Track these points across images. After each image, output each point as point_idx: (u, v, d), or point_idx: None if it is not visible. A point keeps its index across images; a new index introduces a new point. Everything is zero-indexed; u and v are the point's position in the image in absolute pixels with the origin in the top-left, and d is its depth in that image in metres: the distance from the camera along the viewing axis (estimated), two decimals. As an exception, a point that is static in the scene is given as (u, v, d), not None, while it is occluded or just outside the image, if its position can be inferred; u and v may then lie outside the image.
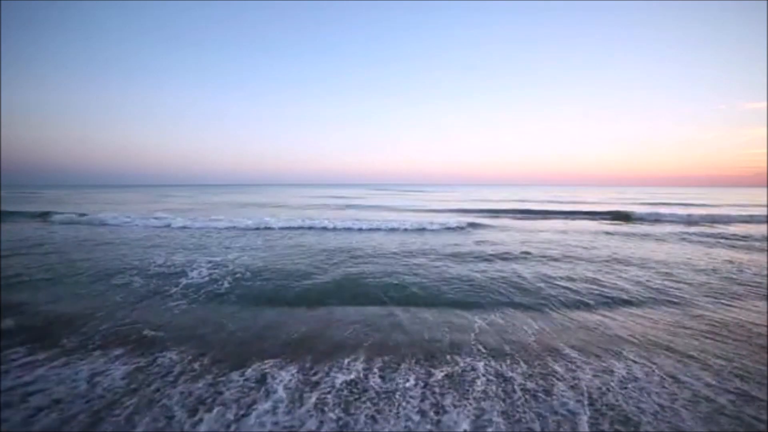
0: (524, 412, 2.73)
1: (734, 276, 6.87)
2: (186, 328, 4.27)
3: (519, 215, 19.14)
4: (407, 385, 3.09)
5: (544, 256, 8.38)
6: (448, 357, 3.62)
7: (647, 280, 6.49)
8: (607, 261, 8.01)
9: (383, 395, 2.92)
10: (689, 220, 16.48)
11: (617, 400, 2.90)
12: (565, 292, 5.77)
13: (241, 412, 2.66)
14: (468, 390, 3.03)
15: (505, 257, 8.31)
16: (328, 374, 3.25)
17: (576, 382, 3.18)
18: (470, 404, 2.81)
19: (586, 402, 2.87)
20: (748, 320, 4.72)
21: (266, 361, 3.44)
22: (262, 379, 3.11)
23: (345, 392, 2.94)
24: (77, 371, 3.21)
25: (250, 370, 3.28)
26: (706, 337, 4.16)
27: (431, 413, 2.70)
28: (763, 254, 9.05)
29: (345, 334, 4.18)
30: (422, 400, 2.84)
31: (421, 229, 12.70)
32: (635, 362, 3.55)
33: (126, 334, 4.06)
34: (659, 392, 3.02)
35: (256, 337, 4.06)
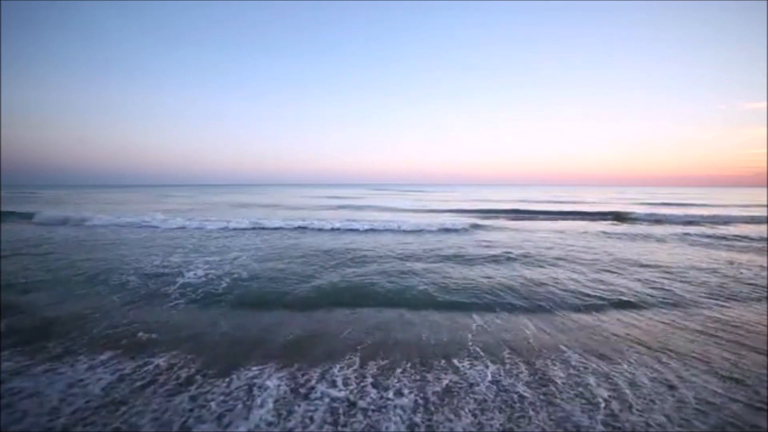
0: (527, 425, 2.61)
1: (734, 277, 6.77)
2: (175, 332, 4.16)
3: (519, 216, 19.02)
4: (401, 399, 2.96)
5: (545, 258, 8.28)
6: (444, 362, 3.52)
7: (654, 282, 6.39)
8: (609, 263, 7.90)
9: (375, 408, 2.80)
10: (690, 221, 16.37)
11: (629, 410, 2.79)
12: (567, 295, 5.67)
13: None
14: (465, 400, 2.91)
15: (504, 259, 8.20)
16: (321, 379, 3.15)
17: (582, 390, 3.07)
18: (467, 417, 2.69)
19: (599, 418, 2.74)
20: (749, 322, 4.64)
21: (257, 368, 3.34)
22: (249, 390, 2.96)
23: (335, 404, 2.82)
24: (54, 381, 3.08)
25: (236, 379, 3.14)
26: (708, 339, 4.09)
27: (423, 428, 2.58)
28: (763, 255, 8.94)
29: (340, 337, 4.08)
30: (415, 412, 2.72)
31: (420, 231, 12.57)
32: (656, 370, 3.45)
33: (114, 338, 3.96)
34: (666, 398, 2.92)
35: (248, 341, 3.96)
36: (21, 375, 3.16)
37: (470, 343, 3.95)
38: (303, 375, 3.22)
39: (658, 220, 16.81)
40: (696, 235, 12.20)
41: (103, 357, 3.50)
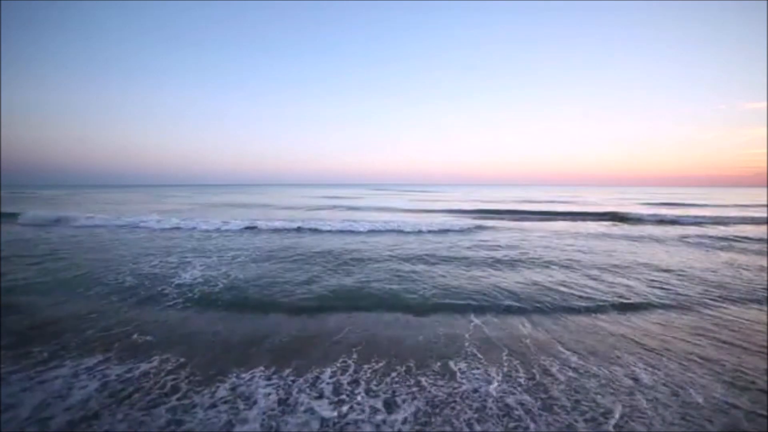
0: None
1: (733, 278, 6.70)
2: (168, 334, 4.07)
3: (520, 216, 18.90)
4: (395, 413, 2.88)
5: (544, 259, 8.20)
6: (440, 367, 3.44)
7: (654, 283, 6.31)
8: (610, 264, 7.81)
9: (365, 420, 2.73)
10: (691, 221, 16.29)
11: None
12: (567, 297, 5.58)
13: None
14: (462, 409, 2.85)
15: (503, 260, 8.11)
16: (312, 386, 3.08)
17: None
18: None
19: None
20: (748, 323, 4.60)
21: (247, 374, 3.26)
22: (233, 403, 2.83)
23: (325, 419, 2.72)
24: (35, 389, 2.98)
25: (222, 389, 3.03)
26: (710, 341, 4.03)
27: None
28: (763, 256, 8.86)
29: (335, 342, 4.00)
30: (407, 423, 2.66)
31: (419, 231, 12.51)
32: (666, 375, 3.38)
33: (106, 341, 3.88)
34: (669, 403, 2.86)
35: (240, 345, 3.89)
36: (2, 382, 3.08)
37: (467, 346, 3.89)
38: (293, 382, 3.14)
39: (658, 220, 16.72)
40: (697, 235, 12.11)
41: (89, 362, 3.42)
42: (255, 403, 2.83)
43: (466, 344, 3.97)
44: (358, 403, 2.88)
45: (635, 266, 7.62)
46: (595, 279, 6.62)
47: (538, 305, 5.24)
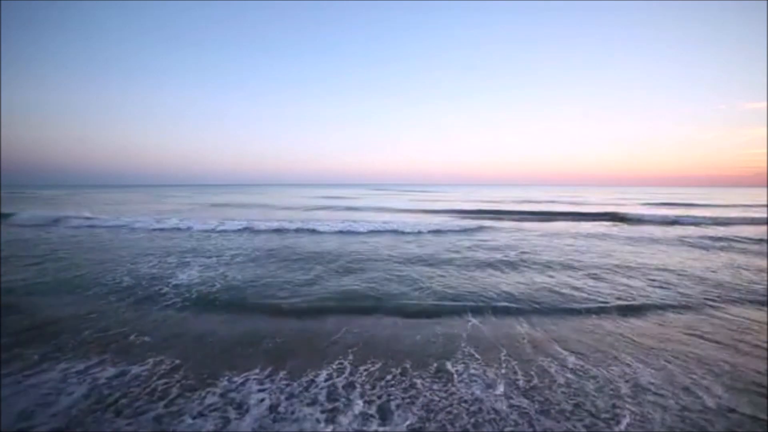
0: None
1: (734, 278, 6.63)
2: (161, 336, 4.02)
3: (520, 217, 18.80)
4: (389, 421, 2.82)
5: (544, 261, 8.14)
6: (437, 370, 3.38)
7: (654, 285, 6.24)
8: (610, 265, 7.74)
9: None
10: (693, 222, 16.21)
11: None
12: (567, 299, 5.52)
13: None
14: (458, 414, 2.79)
15: (503, 262, 8.04)
16: (306, 390, 3.02)
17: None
18: None
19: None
20: (746, 324, 4.55)
21: (241, 377, 3.22)
22: (224, 410, 2.75)
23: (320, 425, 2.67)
24: (21, 394, 2.92)
25: (212, 394, 2.95)
26: (710, 342, 3.97)
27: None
28: (763, 257, 8.79)
29: (331, 345, 3.95)
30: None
31: (418, 232, 12.44)
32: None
33: (101, 343, 3.83)
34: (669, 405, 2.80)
35: (235, 347, 3.84)
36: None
37: (465, 348, 3.84)
38: (287, 386, 3.09)
39: (659, 221, 16.64)
40: (698, 236, 12.04)
41: (81, 365, 3.37)
42: (247, 411, 2.74)
43: (464, 345, 3.93)
44: (352, 410, 2.82)
45: (635, 267, 7.55)
46: (594, 280, 6.56)
47: (536, 306, 5.19)
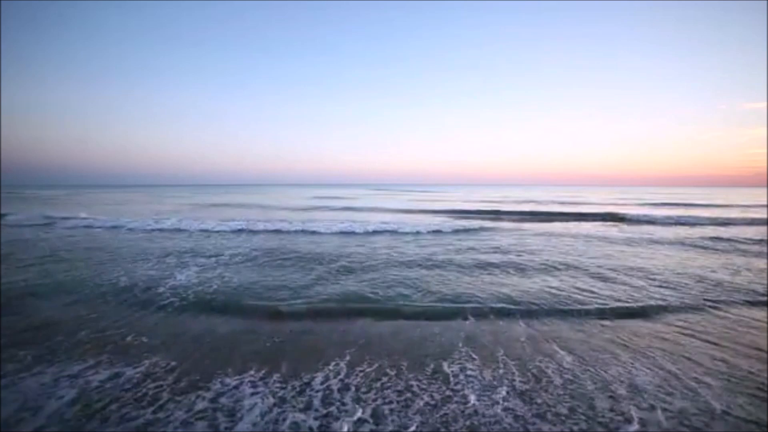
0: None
1: (733, 280, 6.57)
2: (154, 338, 3.97)
3: (519, 217, 18.74)
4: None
5: (542, 263, 8.08)
6: (433, 372, 3.34)
7: (654, 287, 6.18)
8: (611, 267, 7.68)
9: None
10: (693, 222, 16.16)
11: None
12: (567, 301, 5.46)
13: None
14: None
15: (501, 264, 7.99)
16: (300, 394, 2.97)
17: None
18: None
19: None
20: (744, 327, 4.50)
21: (235, 378, 3.19)
22: (213, 417, 2.69)
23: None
24: (8, 398, 2.87)
25: (201, 399, 2.89)
26: (709, 345, 3.91)
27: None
28: (763, 258, 8.72)
29: (326, 348, 3.90)
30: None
31: (417, 233, 12.38)
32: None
33: (97, 345, 3.79)
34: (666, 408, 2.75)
35: (229, 350, 3.79)
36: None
37: (462, 350, 3.80)
38: (281, 390, 3.04)
39: (659, 221, 16.57)
40: (699, 237, 11.96)
41: (74, 368, 3.32)
42: (240, 419, 2.68)
43: (461, 347, 3.89)
44: (347, 413, 2.76)
45: (634, 268, 7.49)
46: (594, 282, 6.50)
47: (534, 308, 5.14)
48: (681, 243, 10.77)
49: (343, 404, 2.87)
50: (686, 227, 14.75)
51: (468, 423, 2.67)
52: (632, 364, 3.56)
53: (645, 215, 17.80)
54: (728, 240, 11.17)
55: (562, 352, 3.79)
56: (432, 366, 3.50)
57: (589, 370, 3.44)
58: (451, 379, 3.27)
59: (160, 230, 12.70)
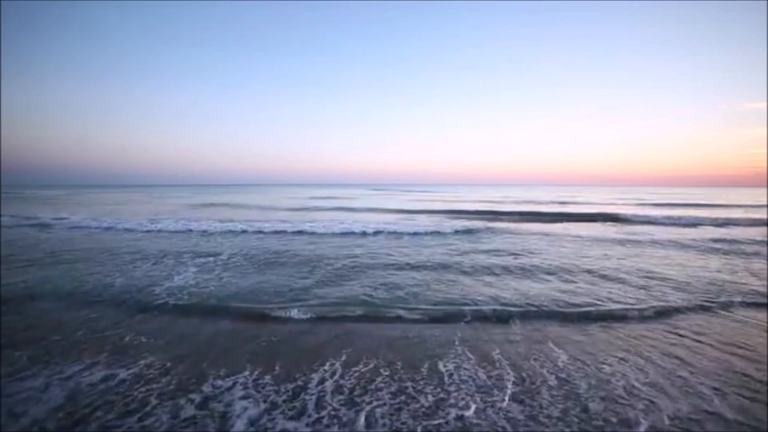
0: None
1: (732, 281, 6.51)
2: (147, 341, 3.94)
3: (518, 218, 18.65)
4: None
5: (541, 265, 8.02)
6: (428, 375, 3.30)
7: (663, 287, 6.14)
8: (611, 269, 7.63)
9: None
10: (693, 222, 16.09)
11: None
12: (566, 305, 5.42)
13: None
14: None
15: (499, 267, 7.94)
16: (292, 400, 2.93)
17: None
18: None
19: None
20: (743, 327, 4.46)
21: (228, 379, 3.18)
22: (204, 419, 2.66)
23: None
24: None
25: (189, 404, 2.85)
26: (712, 348, 3.87)
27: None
28: (760, 259, 8.64)
29: (321, 347, 3.88)
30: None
31: (414, 234, 12.32)
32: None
33: (92, 345, 3.77)
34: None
35: (223, 352, 3.77)
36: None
37: (458, 352, 3.76)
38: (275, 392, 3.01)
39: (660, 222, 16.52)
40: (700, 238, 11.90)
41: (69, 370, 3.30)
42: (232, 426, 2.63)
43: (457, 349, 3.87)
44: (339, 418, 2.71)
45: (635, 270, 7.43)
46: (594, 284, 6.45)
47: (532, 309, 5.09)
48: (681, 244, 10.70)
49: (335, 409, 2.83)
50: (686, 228, 14.70)
51: (460, 425, 2.64)
52: (630, 366, 3.53)
53: (645, 216, 17.75)
54: (729, 241, 11.10)
55: (558, 350, 3.77)
56: (427, 369, 3.46)
57: (590, 375, 3.39)
58: (446, 377, 3.24)
59: (160, 231, 12.63)
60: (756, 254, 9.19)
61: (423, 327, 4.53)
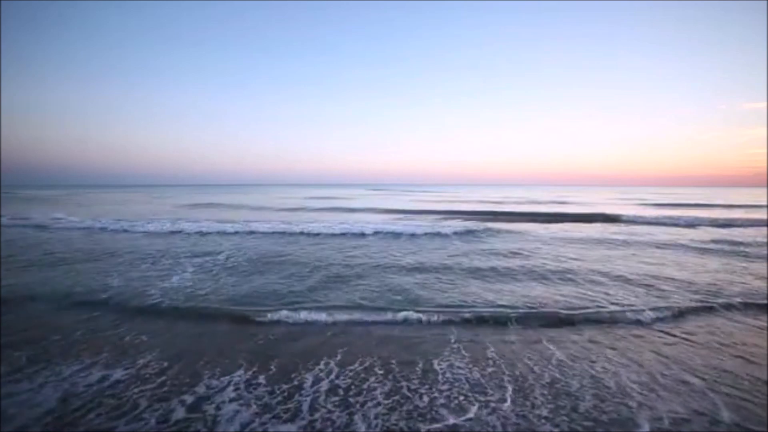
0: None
1: (732, 282, 6.48)
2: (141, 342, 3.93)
3: (518, 218, 18.57)
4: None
5: (540, 265, 8.00)
6: (422, 373, 3.27)
7: (654, 291, 6.11)
8: (612, 271, 7.60)
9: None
10: (695, 223, 16.03)
11: None
12: (565, 307, 5.39)
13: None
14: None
15: (498, 269, 7.90)
16: (286, 402, 2.93)
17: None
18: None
19: None
20: (740, 332, 4.44)
21: (223, 378, 3.20)
22: (195, 422, 2.65)
23: None
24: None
25: (181, 406, 2.84)
26: (712, 352, 3.86)
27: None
28: (760, 260, 8.60)
29: (316, 349, 3.88)
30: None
31: (413, 234, 12.26)
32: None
33: (90, 345, 3.76)
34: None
35: (218, 354, 3.75)
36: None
37: (454, 353, 3.74)
38: (270, 393, 2.99)
39: (660, 222, 16.46)
40: (700, 239, 11.87)
41: (66, 370, 3.31)
42: (225, 429, 2.61)
43: (454, 350, 3.86)
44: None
45: (635, 271, 7.38)
46: (594, 286, 6.40)
47: (531, 312, 5.05)
48: (681, 244, 10.66)
49: (329, 411, 2.82)
50: (686, 228, 14.64)
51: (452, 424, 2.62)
52: (630, 366, 3.53)
53: (645, 216, 17.69)
54: (729, 242, 11.06)
55: (558, 352, 3.74)
56: (421, 363, 3.44)
57: (589, 376, 3.37)
58: (440, 375, 3.21)
59: (158, 233, 12.61)
60: (756, 255, 9.15)
61: (422, 328, 4.50)
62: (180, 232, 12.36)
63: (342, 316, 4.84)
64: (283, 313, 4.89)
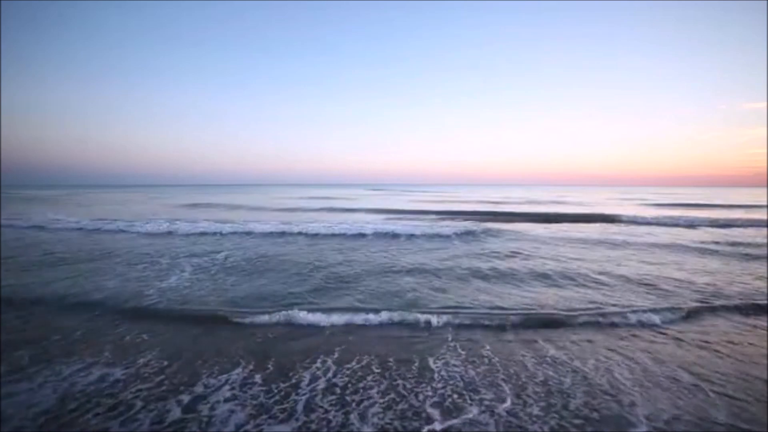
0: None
1: (732, 282, 6.49)
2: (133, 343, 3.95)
3: (518, 218, 18.56)
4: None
5: (539, 266, 8.00)
6: (418, 373, 3.26)
7: (653, 293, 6.10)
8: (610, 272, 7.60)
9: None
10: (695, 223, 16.00)
11: None
12: (564, 309, 5.38)
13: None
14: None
15: (497, 269, 7.91)
16: (281, 403, 2.93)
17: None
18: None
19: None
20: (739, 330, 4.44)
21: (220, 377, 3.22)
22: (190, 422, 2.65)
23: None
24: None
25: (177, 406, 2.85)
26: (713, 353, 3.87)
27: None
28: (760, 260, 8.58)
29: (312, 350, 3.89)
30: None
31: (411, 235, 12.24)
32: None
33: (89, 345, 3.79)
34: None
35: (215, 355, 3.77)
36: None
37: (450, 354, 3.75)
38: (266, 393, 3.00)
39: (659, 222, 16.43)
40: (700, 240, 11.86)
41: (66, 370, 3.33)
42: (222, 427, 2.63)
43: (449, 351, 3.86)
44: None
45: (636, 272, 7.36)
46: (594, 287, 6.38)
47: (530, 313, 5.04)
48: (681, 245, 10.65)
49: (326, 411, 2.83)
50: (686, 228, 14.63)
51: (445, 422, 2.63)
52: (630, 367, 3.53)
53: (645, 216, 17.66)
54: (728, 242, 11.05)
55: (557, 353, 3.75)
56: (417, 362, 3.45)
57: (589, 376, 3.37)
58: (436, 374, 3.21)
59: (157, 233, 12.62)
60: (756, 255, 9.15)
61: (421, 328, 4.52)
62: (178, 232, 12.36)
63: (341, 317, 4.82)
64: (282, 314, 4.87)
